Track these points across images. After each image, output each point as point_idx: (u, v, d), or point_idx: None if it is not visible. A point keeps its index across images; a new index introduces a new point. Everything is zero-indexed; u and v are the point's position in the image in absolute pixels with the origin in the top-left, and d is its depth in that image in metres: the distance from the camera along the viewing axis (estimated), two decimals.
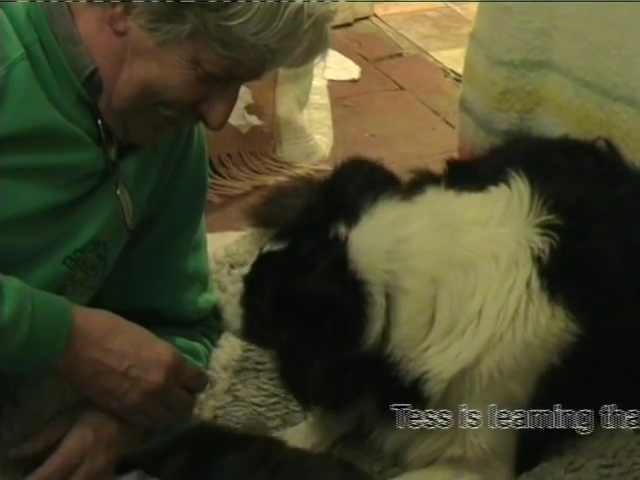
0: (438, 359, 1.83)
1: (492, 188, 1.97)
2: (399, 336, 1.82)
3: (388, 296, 1.81)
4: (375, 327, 1.81)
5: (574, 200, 1.96)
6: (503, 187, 1.96)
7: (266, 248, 1.96)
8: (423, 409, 1.87)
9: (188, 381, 1.94)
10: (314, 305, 1.81)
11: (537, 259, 1.86)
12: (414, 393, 1.84)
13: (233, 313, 1.98)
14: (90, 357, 1.78)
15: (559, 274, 1.86)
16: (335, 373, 1.82)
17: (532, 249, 1.87)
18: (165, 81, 1.75)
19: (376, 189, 1.90)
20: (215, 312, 2.03)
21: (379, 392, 1.88)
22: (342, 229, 1.85)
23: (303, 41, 1.73)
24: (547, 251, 1.86)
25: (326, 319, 1.80)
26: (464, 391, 1.86)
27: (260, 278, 1.94)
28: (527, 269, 1.86)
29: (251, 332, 1.99)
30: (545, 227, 1.89)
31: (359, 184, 1.92)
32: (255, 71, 1.79)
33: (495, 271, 1.85)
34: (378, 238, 1.84)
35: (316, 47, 1.76)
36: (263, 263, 1.96)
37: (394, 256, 1.82)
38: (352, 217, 1.86)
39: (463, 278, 1.84)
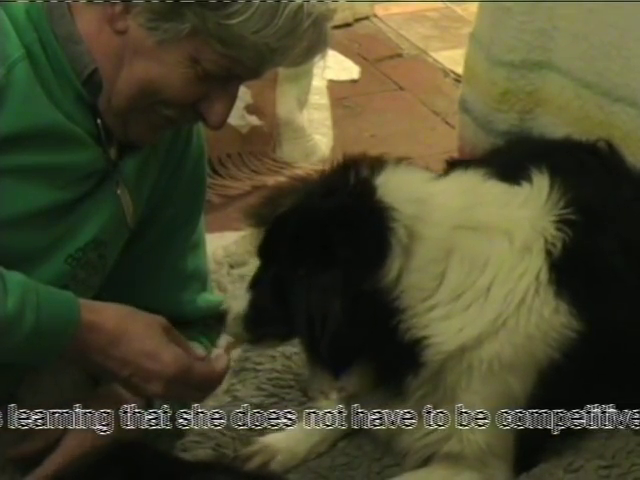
0: (441, 327, 1.84)
1: (514, 181, 1.99)
2: (409, 281, 1.83)
3: (408, 236, 1.82)
4: (395, 263, 1.81)
5: (588, 198, 1.98)
6: (524, 180, 1.99)
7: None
8: (416, 376, 1.86)
9: (198, 384, 1.90)
10: (338, 220, 1.81)
11: (548, 252, 1.88)
12: (411, 355, 1.84)
13: (241, 303, 1.98)
14: (93, 360, 1.78)
15: (567, 270, 1.89)
16: (354, 308, 1.80)
17: (545, 239, 1.89)
18: (165, 80, 1.75)
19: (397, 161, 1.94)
20: (217, 314, 2.03)
21: (379, 347, 1.86)
22: (365, 172, 1.86)
23: (303, 40, 1.73)
24: (559, 245, 1.89)
25: (350, 238, 1.80)
26: (461, 375, 1.86)
27: (276, 228, 1.94)
28: (539, 260, 1.88)
29: (257, 321, 1.96)
30: (560, 221, 1.91)
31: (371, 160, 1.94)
32: (255, 70, 1.79)
33: (509, 250, 1.88)
34: (406, 185, 1.87)
35: (316, 46, 1.76)
36: (278, 218, 1.96)
37: (419, 203, 1.85)
38: (376, 166, 1.88)
39: (477, 243, 1.87)
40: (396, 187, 1.86)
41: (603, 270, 1.93)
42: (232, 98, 1.82)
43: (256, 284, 1.98)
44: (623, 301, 1.94)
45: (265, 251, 1.98)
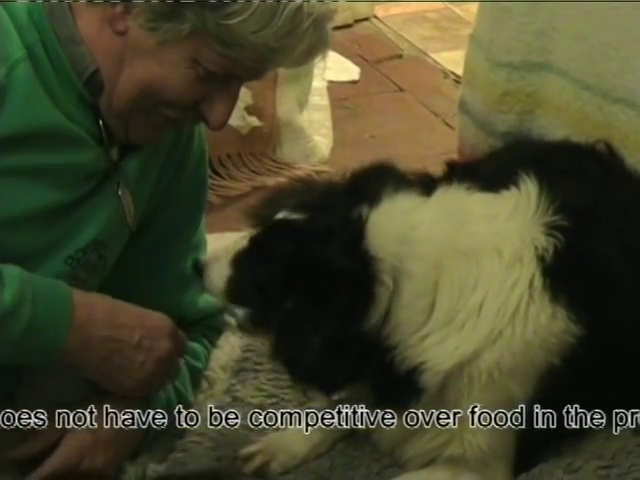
0: (436, 350, 1.84)
1: (501, 188, 1.98)
2: (399, 319, 1.83)
3: (394, 279, 1.83)
4: (380, 307, 1.82)
5: (580, 203, 1.97)
6: (512, 187, 1.97)
7: (281, 215, 1.95)
8: (418, 401, 1.87)
9: (178, 346, 1.94)
10: (327, 275, 1.82)
11: (540, 258, 1.87)
12: (409, 383, 1.85)
13: (220, 272, 1.96)
14: (102, 337, 1.79)
15: (562, 275, 1.87)
16: (333, 349, 1.82)
17: (536, 248, 1.88)
18: (165, 81, 1.76)
19: (398, 181, 1.94)
20: (197, 267, 2.00)
21: (375, 379, 1.88)
22: (365, 209, 1.87)
23: (303, 40, 1.73)
24: (551, 251, 1.88)
25: (336, 291, 1.81)
26: (463, 388, 1.86)
27: (272, 242, 1.93)
28: (531, 268, 1.87)
29: (238, 295, 1.96)
30: (551, 227, 1.90)
31: (383, 177, 1.95)
32: (255, 70, 1.79)
33: (498, 266, 1.87)
34: (393, 222, 1.87)
35: (316, 46, 1.77)
36: (277, 229, 1.95)
37: (404, 241, 1.85)
38: (375, 200, 1.88)
39: (465, 267, 1.86)
40: (384, 227, 1.86)
41: (600, 273, 1.92)
42: (233, 98, 1.83)
43: (240, 264, 1.96)
44: (622, 304, 1.93)
45: (258, 244, 1.96)
